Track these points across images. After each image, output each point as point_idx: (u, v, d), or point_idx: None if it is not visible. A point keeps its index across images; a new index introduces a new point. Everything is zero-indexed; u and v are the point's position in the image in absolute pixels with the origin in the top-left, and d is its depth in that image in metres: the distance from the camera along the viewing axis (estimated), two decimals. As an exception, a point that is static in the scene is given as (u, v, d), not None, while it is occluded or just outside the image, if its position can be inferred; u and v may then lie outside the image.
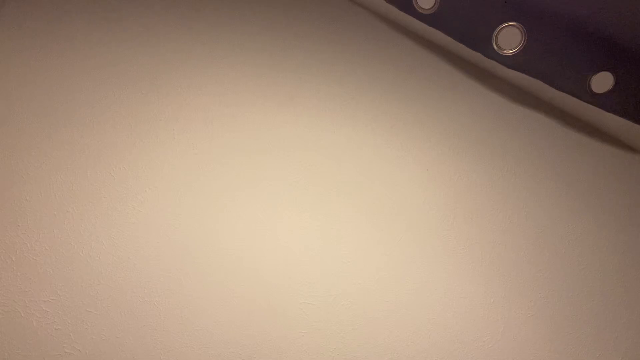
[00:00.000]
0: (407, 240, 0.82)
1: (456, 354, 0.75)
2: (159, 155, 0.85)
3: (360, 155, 0.89)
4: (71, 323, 0.72)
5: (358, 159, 0.89)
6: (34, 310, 0.72)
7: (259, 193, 0.84)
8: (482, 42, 0.92)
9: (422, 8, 0.94)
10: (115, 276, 0.75)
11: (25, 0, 0.94)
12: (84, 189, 0.81)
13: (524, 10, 0.85)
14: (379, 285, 0.79)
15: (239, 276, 0.77)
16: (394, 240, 0.82)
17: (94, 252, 0.77)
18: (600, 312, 0.80)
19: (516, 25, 0.87)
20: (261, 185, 0.85)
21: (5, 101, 0.86)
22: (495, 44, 0.90)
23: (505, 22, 0.88)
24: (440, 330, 0.76)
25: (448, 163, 0.90)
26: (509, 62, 0.91)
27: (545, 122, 0.95)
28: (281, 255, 0.79)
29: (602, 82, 0.85)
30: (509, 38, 0.88)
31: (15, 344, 0.70)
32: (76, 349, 0.71)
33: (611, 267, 0.83)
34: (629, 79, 0.83)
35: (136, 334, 0.72)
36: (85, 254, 0.77)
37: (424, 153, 0.90)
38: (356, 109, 0.94)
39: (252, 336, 0.74)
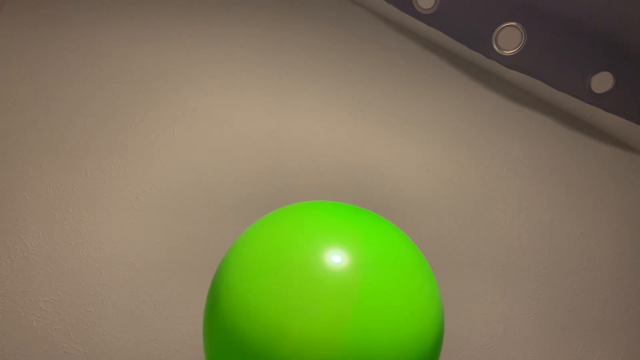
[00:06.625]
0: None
1: (456, 353, 0.75)
2: (159, 155, 0.85)
3: (360, 155, 0.89)
4: (71, 323, 0.72)
5: (358, 160, 0.89)
6: (34, 310, 0.72)
7: (259, 193, 0.84)
8: (482, 42, 0.92)
9: (422, 8, 0.94)
10: (115, 276, 0.75)
11: (25, 0, 0.94)
12: (84, 189, 0.81)
13: (524, 10, 0.85)
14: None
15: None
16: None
17: (94, 252, 0.77)
18: (600, 312, 0.80)
19: (516, 25, 0.87)
20: (261, 186, 0.85)
21: (5, 101, 0.86)
22: (495, 44, 0.90)
23: (505, 22, 0.88)
24: (440, 330, 0.76)
25: (448, 163, 0.90)
26: (509, 62, 0.91)
27: (545, 122, 0.95)
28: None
29: (602, 82, 0.85)
30: (509, 38, 0.88)
31: (15, 344, 0.70)
32: (76, 349, 0.71)
33: (611, 267, 0.83)
34: (629, 79, 0.83)
35: (136, 334, 0.72)
36: (85, 254, 0.77)
37: (424, 153, 0.90)
38: (356, 109, 0.94)
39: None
